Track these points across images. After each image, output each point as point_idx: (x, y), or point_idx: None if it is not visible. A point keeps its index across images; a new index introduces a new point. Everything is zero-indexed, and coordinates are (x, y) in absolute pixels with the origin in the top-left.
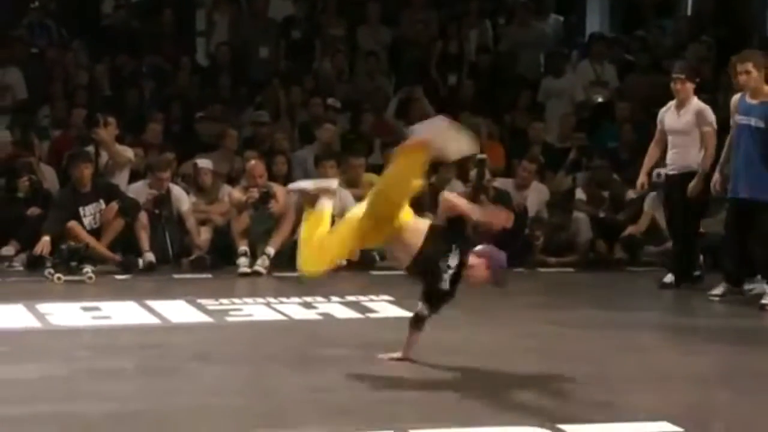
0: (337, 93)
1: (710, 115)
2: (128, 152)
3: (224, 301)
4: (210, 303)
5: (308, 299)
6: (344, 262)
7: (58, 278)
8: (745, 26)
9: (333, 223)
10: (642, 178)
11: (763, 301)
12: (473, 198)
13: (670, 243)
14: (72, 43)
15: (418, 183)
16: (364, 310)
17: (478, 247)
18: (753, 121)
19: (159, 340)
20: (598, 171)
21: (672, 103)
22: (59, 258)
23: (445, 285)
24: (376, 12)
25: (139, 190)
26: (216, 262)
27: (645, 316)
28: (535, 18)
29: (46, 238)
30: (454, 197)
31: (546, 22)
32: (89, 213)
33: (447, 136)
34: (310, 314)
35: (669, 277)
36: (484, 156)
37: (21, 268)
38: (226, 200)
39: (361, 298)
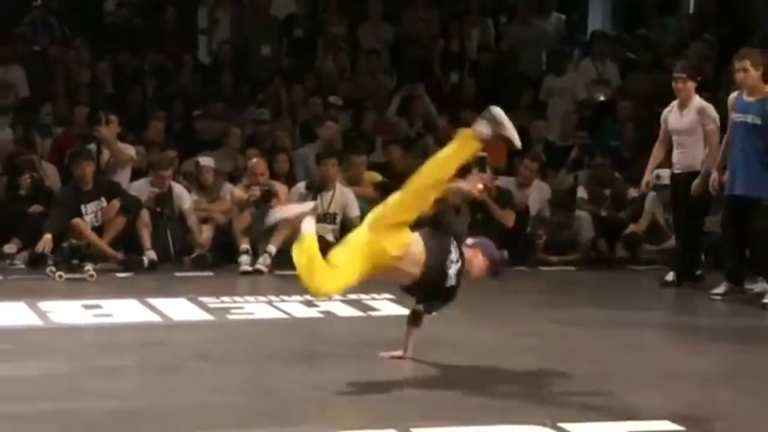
0: (338, 91)
1: (713, 113)
2: (130, 150)
3: (226, 299)
4: (211, 301)
5: (309, 297)
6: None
7: (60, 276)
8: (747, 24)
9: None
10: (647, 178)
11: (765, 300)
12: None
13: (670, 241)
14: (74, 41)
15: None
16: (366, 308)
17: (469, 240)
18: (750, 118)
19: (160, 338)
20: (600, 169)
21: (674, 103)
22: (61, 256)
23: (452, 281)
24: (377, 10)
25: (140, 188)
26: (217, 260)
27: (646, 314)
28: (537, 16)
29: (48, 236)
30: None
31: (548, 20)
32: (91, 211)
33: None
34: (312, 312)
35: (671, 275)
36: (485, 154)
37: (23, 266)
38: (227, 198)
39: (363, 296)
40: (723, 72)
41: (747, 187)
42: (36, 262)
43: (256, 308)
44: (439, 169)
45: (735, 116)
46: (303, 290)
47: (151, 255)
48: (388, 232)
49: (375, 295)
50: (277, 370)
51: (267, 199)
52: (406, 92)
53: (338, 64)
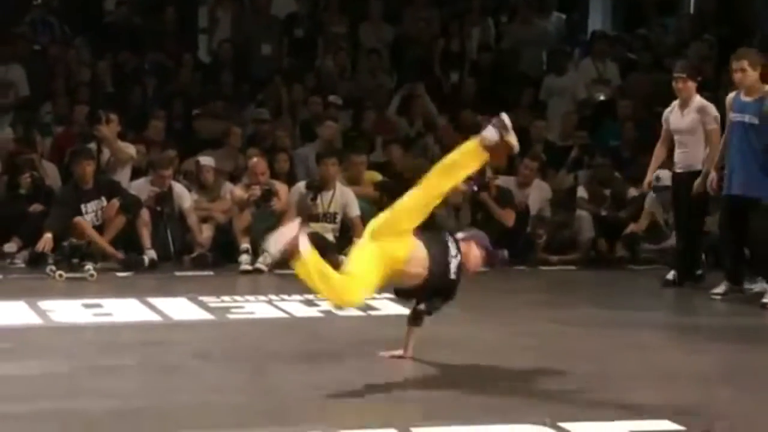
0: (339, 90)
1: (714, 113)
2: (130, 149)
3: (226, 298)
4: (211, 300)
5: (310, 297)
6: None
7: (60, 275)
8: (747, 25)
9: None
10: (649, 178)
11: (764, 300)
12: (474, 195)
13: (669, 241)
14: (74, 40)
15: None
16: (366, 307)
17: (460, 234)
18: (747, 118)
19: (160, 338)
20: (600, 169)
21: (675, 103)
22: (61, 255)
23: (452, 275)
24: (378, 9)
25: (140, 188)
26: (218, 259)
27: (646, 314)
28: (538, 16)
29: (48, 235)
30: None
31: (548, 19)
32: (91, 210)
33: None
34: (312, 312)
35: (671, 275)
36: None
37: (23, 265)
38: (228, 198)
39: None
40: (723, 72)
41: (745, 187)
42: (36, 261)
43: (256, 307)
44: (447, 179)
45: (733, 116)
46: (303, 290)
47: (151, 254)
48: (397, 238)
49: (375, 295)
50: (277, 370)
51: (267, 198)
52: (406, 92)
53: (338, 63)
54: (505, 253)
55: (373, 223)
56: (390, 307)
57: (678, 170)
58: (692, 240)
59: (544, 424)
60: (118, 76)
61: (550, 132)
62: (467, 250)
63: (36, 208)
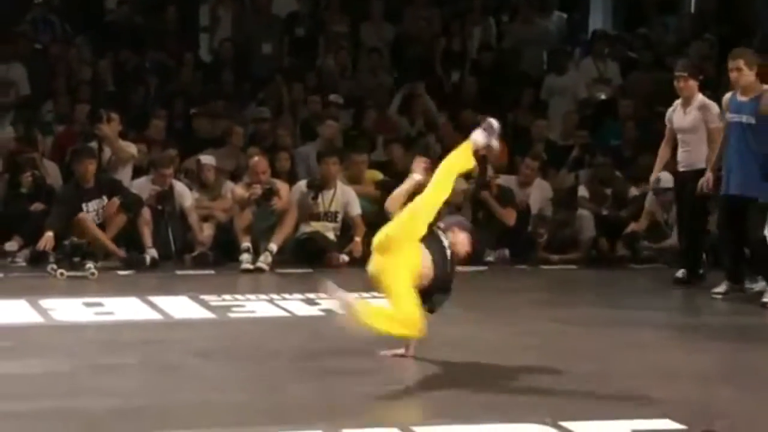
0: (340, 89)
1: (716, 111)
2: (131, 148)
3: (227, 297)
4: (212, 299)
5: (311, 296)
6: None
7: (61, 274)
8: (747, 24)
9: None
10: (654, 176)
11: (764, 299)
12: (475, 194)
13: (670, 240)
14: (75, 39)
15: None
16: None
17: (441, 224)
18: (744, 118)
19: (161, 336)
20: (601, 168)
21: (678, 102)
22: (62, 254)
23: (449, 268)
24: (379, 9)
25: (142, 186)
26: (219, 258)
27: (647, 313)
28: (539, 15)
29: (50, 234)
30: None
31: (549, 19)
32: (92, 209)
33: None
34: (313, 311)
35: (681, 273)
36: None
37: (24, 264)
38: (229, 197)
39: (364, 294)
40: (724, 71)
41: (743, 186)
42: (37, 260)
43: (257, 306)
44: (449, 182)
45: (729, 116)
46: (304, 288)
47: (152, 253)
48: (410, 245)
49: (376, 294)
50: (278, 369)
51: (268, 197)
52: (407, 91)
53: (339, 62)
54: (507, 252)
55: (386, 237)
56: None
57: (681, 169)
58: (695, 239)
59: (545, 423)
60: (119, 75)
61: (551, 131)
62: (453, 238)
63: (37, 206)
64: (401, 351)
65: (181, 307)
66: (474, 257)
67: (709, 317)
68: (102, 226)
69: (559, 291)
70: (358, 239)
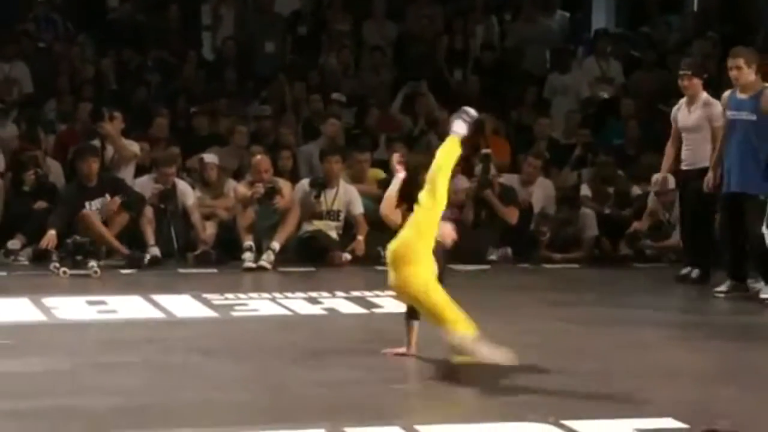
0: (342, 88)
1: (719, 109)
2: (134, 146)
3: (229, 295)
4: (215, 298)
5: (313, 294)
6: None
7: (64, 272)
8: (750, 22)
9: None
10: (662, 176)
11: (763, 296)
12: (478, 192)
13: (672, 239)
14: (78, 37)
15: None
16: (369, 305)
17: None
18: (744, 115)
19: (164, 335)
20: (604, 167)
21: (683, 101)
22: (65, 252)
23: (442, 260)
24: (381, 7)
25: (144, 185)
26: (221, 256)
27: (649, 312)
28: (542, 14)
29: (52, 232)
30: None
31: (552, 18)
32: (95, 208)
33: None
34: (315, 309)
35: (695, 273)
36: (488, 151)
37: (27, 262)
38: (231, 195)
39: (366, 293)
40: (726, 70)
41: (743, 184)
42: (40, 258)
43: (259, 305)
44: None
45: (729, 114)
46: (307, 287)
47: (154, 251)
48: (426, 252)
49: (378, 292)
50: (281, 367)
51: (270, 196)
52: (409, 89)
53: (342, 61)
54: (509, 250)
55: (405, 248)
56: (393, 305)
57: (684, 168)
58: (699, 237)
59: (547, 422)
60: (121, 74)
61: (553, 130)
62: (441, 230)
63: (40, 205)
64: (403, 350)
65: (183, 305)
66: (476, 256)
67: (711, 316)
68: (105, 224)
69: (562, 290)
70: (360, 238)
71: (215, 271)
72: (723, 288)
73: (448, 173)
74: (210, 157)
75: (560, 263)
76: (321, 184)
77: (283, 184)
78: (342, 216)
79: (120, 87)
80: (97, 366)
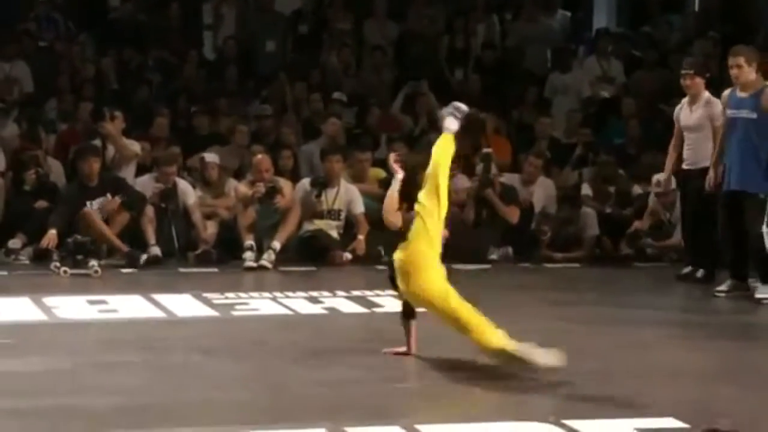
0: (343, 87)
1: (721, 109)
2: (135, 146)
3: (230, 295)
4: (216, 297)
5: (314, 294)
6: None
7: (65, 272)
8: (751, 22)
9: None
10: (666, 175)
11: (758, 295)
12: (478, 192)
13: (673, 239)
14: (79, 37)
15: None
16: (370, 304)
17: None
18: (745, 113)
19: (165, 334)
20: (604, 166)
21: (685, 100)
22: (65, 251)
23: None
24: (382, 6)
25: (145, 184)
26: (222, 256)
27: (650, 312)
28: (543, 13)
29: (53, 232)
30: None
31: (553, 17)
32: (96, 207)
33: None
34: (316, 309)
35: (701, 273)
36: (489, 150)
37: (27, 262)
38: (232, 194)
39: (367, 292)
40: (727, 69)
41: (743, 182)
42: (41, 258)
43: (260, 304)
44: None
45: (729, 113)
46: (307, 287)
47: (155, 250)
48: (434, 256)
49: (379, 292)
50: (282, 367)
51: (271, 195)
52: (410, 89)
53: (343, 60)
54: (510, 250)
55: (417, 254)
56: (393, 304)
57: (686, 167)
58: (701, 237)
59: (549, 422)
60: (122, 73)
61: (554, 129)
62: None
63: (41, 204)
64: (403, 349)
65: (184, 304)
66: (477, 255)
67: (712, 315)
68: (106, 223)
69: (563, 289)
70: (361, 237)
71: (216, 270)
72: (723, 287)
73: (447, 171)
74: (211, 157)
75: (561, 262)
76: (322, 184)
77: (284, 184)
78: (343, 215)
79: (121, 86)
80: (98, 365)
